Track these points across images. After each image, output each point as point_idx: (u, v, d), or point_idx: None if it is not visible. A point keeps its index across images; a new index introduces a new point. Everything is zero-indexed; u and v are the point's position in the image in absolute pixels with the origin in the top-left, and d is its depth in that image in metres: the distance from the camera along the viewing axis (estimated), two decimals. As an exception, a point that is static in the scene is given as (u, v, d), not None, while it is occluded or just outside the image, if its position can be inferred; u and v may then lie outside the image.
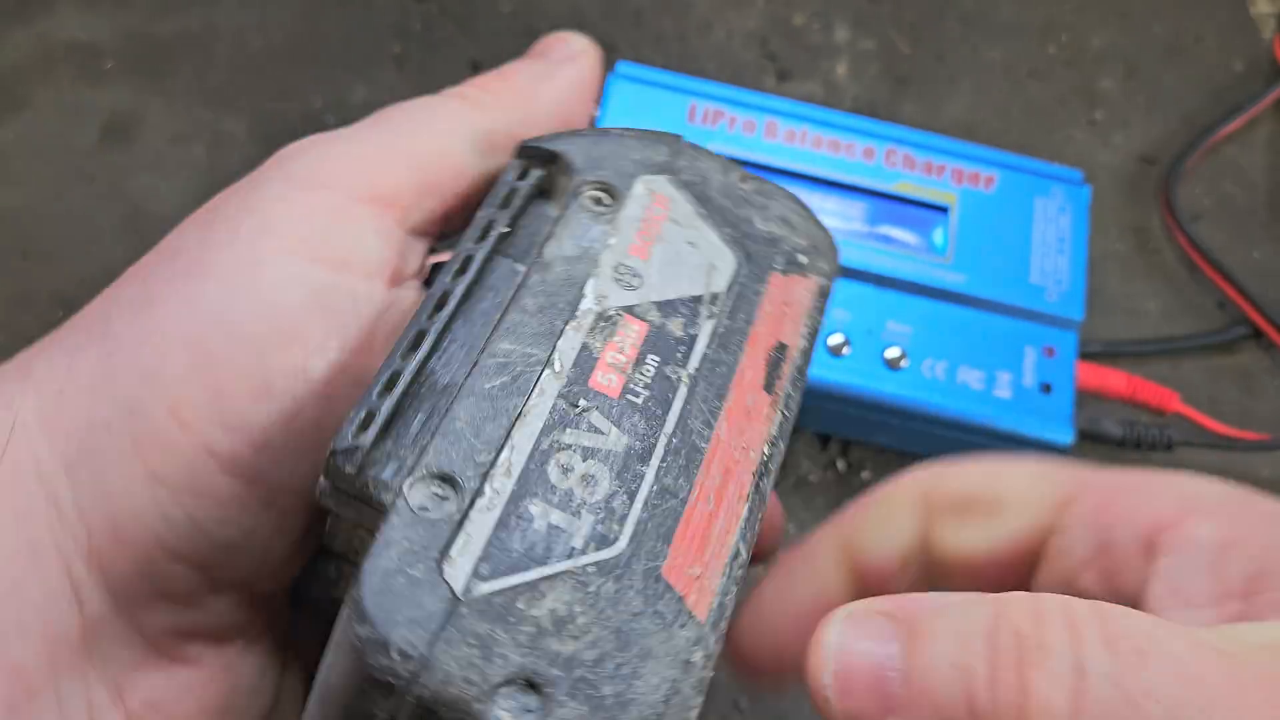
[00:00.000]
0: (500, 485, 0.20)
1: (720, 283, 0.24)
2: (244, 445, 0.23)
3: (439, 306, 0.22)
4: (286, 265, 0.24)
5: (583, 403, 0.22)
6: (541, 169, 0.25)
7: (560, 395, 0.22)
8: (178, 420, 0.23)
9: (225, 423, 0.23)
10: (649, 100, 0.48)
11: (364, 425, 0.20)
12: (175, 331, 0.23)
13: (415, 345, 0.22)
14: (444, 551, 0.19)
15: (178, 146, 0.52)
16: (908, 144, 0.48)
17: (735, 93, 0.48)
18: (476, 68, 0.53)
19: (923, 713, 0.18)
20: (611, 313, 0.23)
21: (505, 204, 0.24)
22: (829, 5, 0.56)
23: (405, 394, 0.21)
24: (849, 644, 0.19)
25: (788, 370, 0.24)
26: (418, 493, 0.19)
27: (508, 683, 0.18)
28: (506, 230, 0.24)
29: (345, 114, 0.52)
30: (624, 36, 0.55)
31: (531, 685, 0.18)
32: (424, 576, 0.18)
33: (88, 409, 0.23)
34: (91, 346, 0.24)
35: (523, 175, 0.25)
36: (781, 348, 0.24)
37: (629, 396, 0.22)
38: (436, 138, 0.27)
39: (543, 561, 0.19)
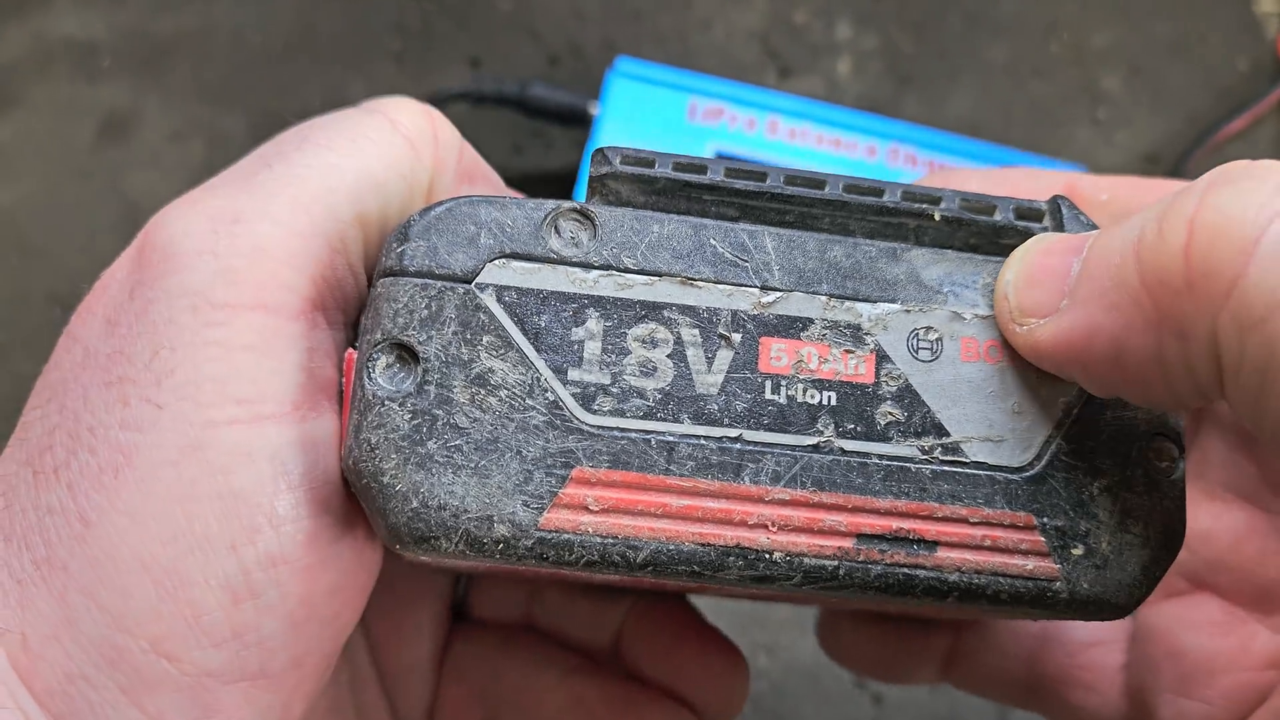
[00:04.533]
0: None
1: (999, 457, 0.21)
2: (239, 649, 0.21)
3: None
4: (226, 438, 0.21)
5: (734, 336, 0.21)
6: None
7: (736, 315, 0.21)
8: (163, 656, 0.20)
9: (214, 638, 0.21)
10: (649, 97, 0.48)
11: None
12: (127, 555, 0.20)
13: None
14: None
15: (175, 144, 0.51)
16: (910, 142, 0.48)
17: (736, 89, 0.48)
18: (476, 65, 0.53)
19: (1097, 281, 0.20)
20: (868, 337, 0.21)
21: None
22: (830, 3, 0.56)
23: None
24: (1034, 253, 0.21)
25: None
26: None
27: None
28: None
29: (344, 111, 0.51)
30: (623, 34, 0.54)
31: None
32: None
33: (62, 661, 0.20)
34: (39, 579, 0.21)
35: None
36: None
37: (771, 384, 0.21)
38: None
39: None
